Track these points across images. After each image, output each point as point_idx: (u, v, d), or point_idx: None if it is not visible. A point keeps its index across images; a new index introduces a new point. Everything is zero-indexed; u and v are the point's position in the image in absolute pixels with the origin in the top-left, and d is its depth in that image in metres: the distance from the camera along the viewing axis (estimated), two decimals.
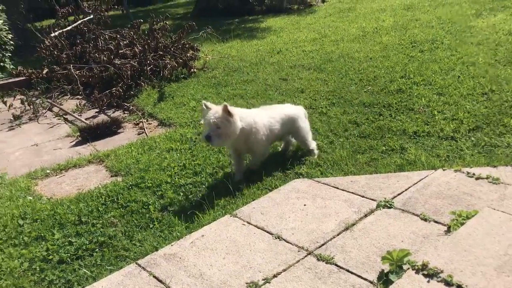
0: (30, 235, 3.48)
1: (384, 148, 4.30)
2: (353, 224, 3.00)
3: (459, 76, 5.78)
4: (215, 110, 3.62)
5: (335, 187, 3.52)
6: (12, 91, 7.30)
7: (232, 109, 3.64)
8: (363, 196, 3.33)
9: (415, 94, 5.43)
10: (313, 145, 4.27)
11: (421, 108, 5.06)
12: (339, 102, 5.53)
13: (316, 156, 4.22)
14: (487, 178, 3.34)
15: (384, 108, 5.19)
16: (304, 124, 4.24)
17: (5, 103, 6.77)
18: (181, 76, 7.27)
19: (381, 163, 4.00)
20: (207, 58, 7.99)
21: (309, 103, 5.58)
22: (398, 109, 5.13)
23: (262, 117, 3.98)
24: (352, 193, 3.40)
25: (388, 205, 3.16)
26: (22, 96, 6.73)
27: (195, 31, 8.29)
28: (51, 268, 3.10)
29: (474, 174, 3.43)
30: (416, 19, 9.35)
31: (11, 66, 8.37)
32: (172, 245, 3.04)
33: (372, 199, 3.27)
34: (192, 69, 7.36)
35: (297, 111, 4.25)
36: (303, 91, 6.03)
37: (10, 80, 7.82)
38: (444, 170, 3.60)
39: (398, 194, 3.31)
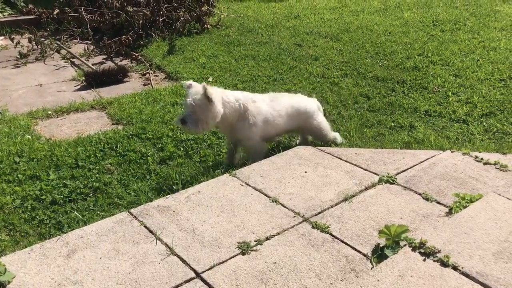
0: (25, 173, 3.43)
1: (392, 124, 4.20)
2: (353, 196, 2.93)
3: (478, 60, 5.60)
4: (196, 90, 3.16)
5: (338, 157, 3.43)
6: (20, 29, 7.16)
7: (212, 91, 3.14)
8: (365, 169, 3.25)
9: (431, 73, 5.28)
10: (333, 135, 3.77)
11: (436, 87, 4.91)
12: (352, 73, 5.38)
13: (340, 142, 3.78)
14: (495, 164, 3.24)
15: (397, 84, 5.05)
16: (319, 120, 3.66)
17: (12, 39, 6.65)
18: (194, 31, 7.10)
19: (388, 138, 3.91)
20: (222, 15, 7.78)
21: (322, 72, 5.43)
22: (412, 86, 4.99)
23: (260, 106, 3.43)
24: (355, 165, 3.31)
25: (391, 181, 3.08)
26: (31, 35, 6.59)
27: None
28: (43, 208, 3.06)
29: (482, 159, 3.32)
30: None
31: (22, 4, 8.19)
32: (166, 198, 2.98)
33: (375, 173, 3.19)
34: (205, 25, 7.18)
35: (310, 106, 3.64)
36: (317, 59, 5.87)
37: (19, 17, 7.66)
38: (452, 152, 3.50)
39: (402, 171, 3.22)
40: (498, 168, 3.21)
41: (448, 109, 4.44)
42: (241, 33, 7.06)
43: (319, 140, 3.77)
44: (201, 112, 3.15)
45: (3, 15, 7.89)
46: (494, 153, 3.49)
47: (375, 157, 3.43)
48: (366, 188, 3.03)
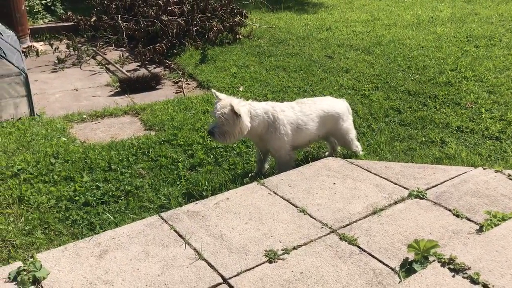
0: (60, 174, 3.54)
1: (423, 139, 4.16)
2: (382, 210, 2.92)
3: None
4: (223, 104, 3.20)
5: (367, 170, 3.43)
6: (59, 35, 7.41)
7: (239, 109, 3.17)
8: (395, 183, 3.23)
9: (464, 89, 5.21)
10: (357, 144, 3.77)
11: (469, 103, 4.85)
12: (383, 87, 5.36)
13: (361, 153, 3.78)
14: None
15: (429, 99, 5.00)
16: (347, 122, 3.64)
17: (51, 45, 6.89)
18: (226, 41, 7.20)
19: (419, 153, 3.87)
20: (254, 26, 7.87)
21: (352, 84, 5.43)
22: (444, 101, 4.93)
23: (289, 114, 3.42)
24: (385, 178, 3.30)
25: (421, 196, 3.05)
26: (68, 41, 6.81)
27: None
28: (76, 209, 3.15)
29: None
30: (475, 13, 8.93)
31: (61, 11, 8.48)
32: (196, 203, 3.03)
33: (405, 187, 3.17)
34: (237, 35, 7.28)
35: (340, 107, 3.61)
36: (347, 71, 5.87)
37: (58, 24, 7.94)
38: (484, 169, 3.44)
39: (433, 186, 3.19)
40: None
41: (481, 125, 4.37)
42: (272, 44, 7.12)
43: (343, 145, 3.73)
44: (228, 125, 3.20)
45: (44, 22, 8.19)
46: None
47: (405, 172, 3.41)
48: (396, 202, 3.01)
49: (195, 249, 2.56)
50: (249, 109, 3.30)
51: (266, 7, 9.40)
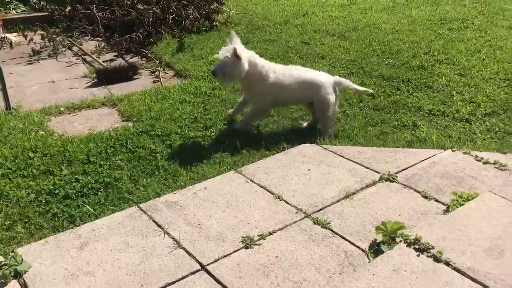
0: (39, 168, 3.57)
1: (396, 123, 4.28)
2: (354, 193, 3.03)
3: (484, 59, 5.65)
4: (228, 48, 3.73)
5: (341, 156, 3.53)
6: (33, 26, 7.30)
7: (241, 52, 3.70)
8: (367, 167, 3.34)
9: (436, 72, 5.34)
10: (330, 132, 3.98)
11: (440, 87, 4.98)
12: (358, 72, 5.46)
13: (328, 139, 3.91)
14: (494, 163, 3.32)
15: (402, 83, 5.12)
16: (330, 96, 3.93)
17: (25, 36, 6.80)
18: (203, 28, 7.18)
19: (391, 137, 3.99)
20: (231, 13, 7.87)
21: (328, 70, 5.49)
22: (417, 85, 5.05)
23: (277, 71, 3.90)
24: (357, 163, 3.41)
25: (391, 179, 3.18)
26: (43, 32, 6.73)
27: None
28: (56, 202, 3.19)
29: (482, 158, 3.41)
30: None
31: (35, 0, 8.33)
32: (174, 193, 3.11)
33: (376, 171, 3.29)
34: (214, 23, 7.27)
35: (326, 78, 3.98)
36: (323, 57, 5.95)
37: (32, 14, 7.79)
38: (453, 151, 3.58)
39: (403, 169, 3.31)
40: (497, 168, 3.30)
41: (452, 108, 4.51)
42: (249, 30, 7.14)
43: (320, 119, 4.05)
44: (229, 67, 3.72)
45: (16, 12, 8.05)
46: (495, 153, 3.57)
47: (377, 156, 3.52)
48: (367, 186, 3.13)
49: (173, 238, 2.64)
50: (249, 57, 3.79)
51: None
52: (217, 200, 3.01)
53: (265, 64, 3.90)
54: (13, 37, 6.96)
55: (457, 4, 8.30)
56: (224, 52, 3.74)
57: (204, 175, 3.43)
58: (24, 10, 8.14)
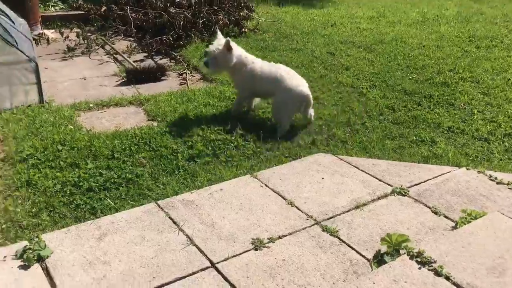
0: (66, 160, 3.75)
1: (414, 138, 4.32)
2: (365, 204, 3.11)
3: (509, 79, 5.64)
4: (220, 42, 4.22)
5: (355, 167, 3.61)
6: (70, 23, 7.60)
7: (233, 45, 4.21)
8: (380, 180, 3.41)
9: (460, 89, 5.35)
10: (281, 131, 4.25)
11: (462, 104, 5.00)
12: (381, 85, 5.51)
13: (278, 137, 4.17)
14: (508, 184, 3.35)
15: (424, 99, 5.15)
16: (287, 93, 4.22)
17: (62, 33, 7.08)
18: (232, 34, 7.34)
19: (408, 151, 4.04)
20: (260, 20, 8.01)
21: (351, 82, 5.58)
22: (439, 102, 5.08)
23: (256, 66, 4.34)
24: (371, 175, 3.48)
25: (403, 193, 3.24)
26: (78, 30, 7.00)
27: None
28: (80, 194, 3.37)
29: (496, 178, 3.43)
30: (481, 12, 9.02)
31: None
32: (191, 193, 3.24)
33: (389, 184, 3.35)
34: (243, 29, 7.43)
35: (281, 72, 4.29)
36: (347, 69, 6.02)
37: (69, 12, 8.11)
38: (467, 169, 3.61)
39: (416, 184, 3.37)
40: (510, 188, 3.32)
41: (472, 126, 4.53)
42: (277, 38, 7.27)
43: (275, 114, 4.42)
44: (219, 57, 4.23)
45: (55, 9, 8.38)
46: (510, 174, 3.59)
47: (391, 169, 3.59)
48: (379, 198, 3.20)
49: (187, 235, 2.77)
50: (236, 50, 4.29)
51: (273, 1, 9.52)
52: (231, 202, 3.13)
53: (248, 56, 4.40)
54: (50, 33, 7.26)
55: (488, 22, 8.25)
56: (215, 45, 4.24)
57: (221, 177, 3.56)
58: (62, 8, 8.46)
